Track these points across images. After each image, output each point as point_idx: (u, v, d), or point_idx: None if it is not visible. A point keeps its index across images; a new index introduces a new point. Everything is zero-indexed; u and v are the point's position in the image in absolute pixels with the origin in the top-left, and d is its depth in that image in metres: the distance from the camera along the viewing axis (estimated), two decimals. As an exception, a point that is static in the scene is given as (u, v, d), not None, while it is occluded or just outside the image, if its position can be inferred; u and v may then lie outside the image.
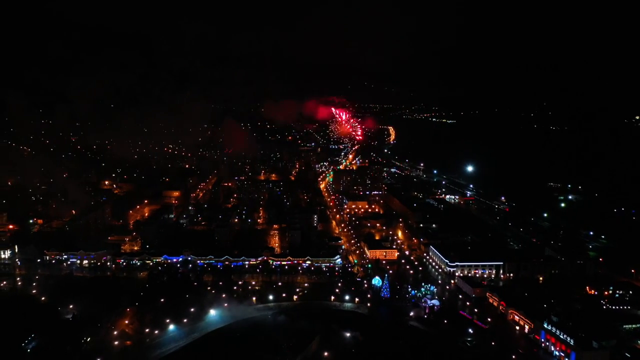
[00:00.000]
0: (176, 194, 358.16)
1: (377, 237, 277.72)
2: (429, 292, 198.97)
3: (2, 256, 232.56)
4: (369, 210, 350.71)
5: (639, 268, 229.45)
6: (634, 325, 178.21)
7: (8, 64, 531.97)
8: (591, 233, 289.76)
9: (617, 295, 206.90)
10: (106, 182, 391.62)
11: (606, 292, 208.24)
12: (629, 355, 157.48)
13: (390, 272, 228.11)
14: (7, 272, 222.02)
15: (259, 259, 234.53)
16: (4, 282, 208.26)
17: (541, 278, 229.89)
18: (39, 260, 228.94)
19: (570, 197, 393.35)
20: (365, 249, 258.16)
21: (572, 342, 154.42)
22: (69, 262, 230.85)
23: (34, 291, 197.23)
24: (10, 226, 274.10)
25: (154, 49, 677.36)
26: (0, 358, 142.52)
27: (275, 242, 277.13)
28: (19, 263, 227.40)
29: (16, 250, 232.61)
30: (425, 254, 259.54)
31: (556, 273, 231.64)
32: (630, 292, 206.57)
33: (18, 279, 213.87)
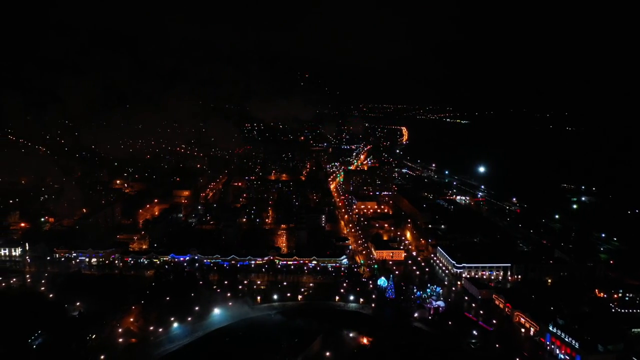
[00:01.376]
0: (186, 193, 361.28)
1: (385, 238, 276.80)
2: (434, 293, 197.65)
3: (13, 254, 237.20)
4: (378, 210, 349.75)
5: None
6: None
7: (14, 65, 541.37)
8: (603, 235, 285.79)
9: (627, 298, 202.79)
10: (117, 182, 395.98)
11: (616, 295, 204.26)
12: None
13: (397, 272, 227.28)
14: (18, 269, 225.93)
15: (265, 258, 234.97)
16: (14, 279, 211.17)
17: (550, 280, 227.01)
18: (48, 258, 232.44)
19: (583, 198, 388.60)
20: (372, 249, 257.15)
21: (577, 346, 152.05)
22: (77, 260, 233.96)
23: (42, 288, 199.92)
24: (22, 224, 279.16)
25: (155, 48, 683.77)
26: (6, 354, 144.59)
27: (282, 241, 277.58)
28: (29, 260, 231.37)
29: (27, 247, 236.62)
30: (432, 255, 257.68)
31: (565, 275, 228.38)
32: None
33: (27, 276, 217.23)
